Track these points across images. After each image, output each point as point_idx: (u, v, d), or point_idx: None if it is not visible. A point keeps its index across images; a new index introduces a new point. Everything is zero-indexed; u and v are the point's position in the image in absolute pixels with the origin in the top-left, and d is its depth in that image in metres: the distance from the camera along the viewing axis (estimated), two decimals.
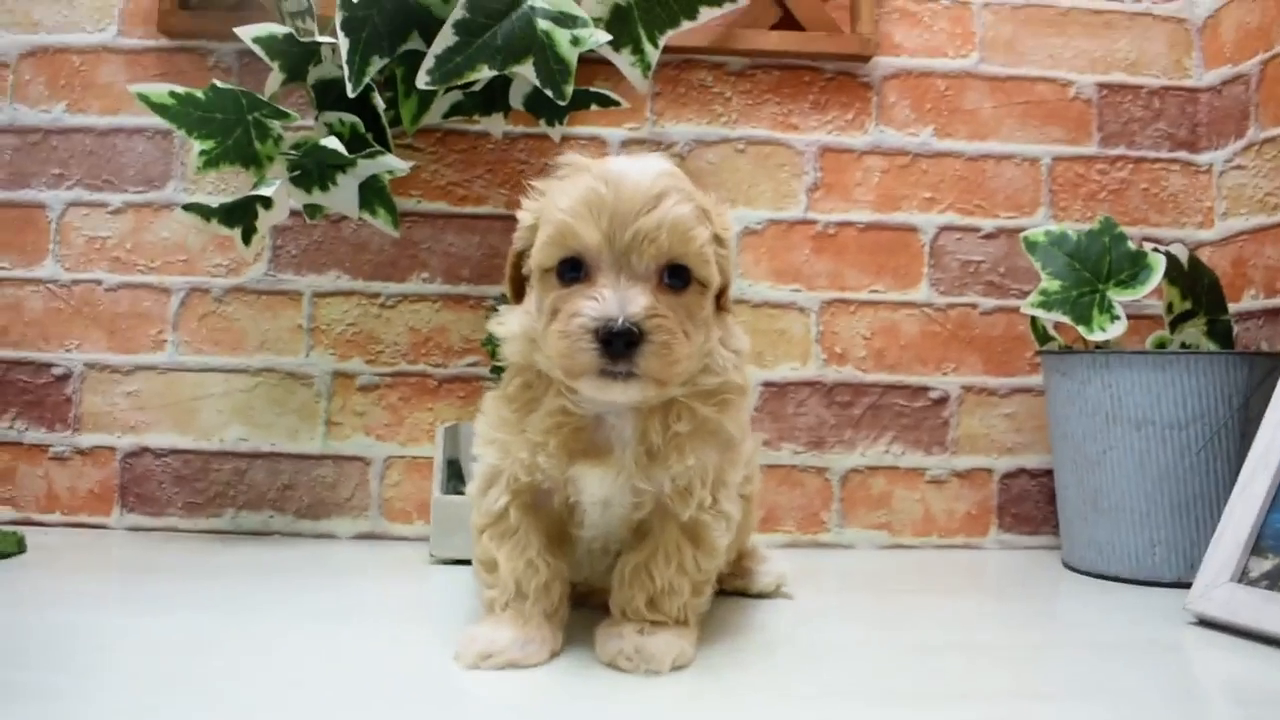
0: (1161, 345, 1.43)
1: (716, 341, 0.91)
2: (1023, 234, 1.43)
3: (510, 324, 0.94)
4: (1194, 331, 1.42)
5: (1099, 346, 1.38)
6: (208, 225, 1.28)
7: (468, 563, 1.29)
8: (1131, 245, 1.38)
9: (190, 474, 1.55)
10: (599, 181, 0.83)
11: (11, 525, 1.51)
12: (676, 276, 0.84)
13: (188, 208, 1.26)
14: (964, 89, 1.62)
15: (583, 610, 1.00)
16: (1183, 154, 1.64)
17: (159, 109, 1.24)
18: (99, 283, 1.56)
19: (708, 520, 0.90)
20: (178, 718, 0.74)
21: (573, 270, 0.84)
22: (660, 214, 0.82)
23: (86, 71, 1.58)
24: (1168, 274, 1.38)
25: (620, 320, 0.79)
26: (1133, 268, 1.37)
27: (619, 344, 0.79)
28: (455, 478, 1.43)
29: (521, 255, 0.91)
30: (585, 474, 0.89)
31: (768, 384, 1.57)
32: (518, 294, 0.94)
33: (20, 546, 1.33)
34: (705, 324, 0.88)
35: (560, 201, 0.84)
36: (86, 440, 1.56)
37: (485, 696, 0.81)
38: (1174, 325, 1.44)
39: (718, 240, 0.87)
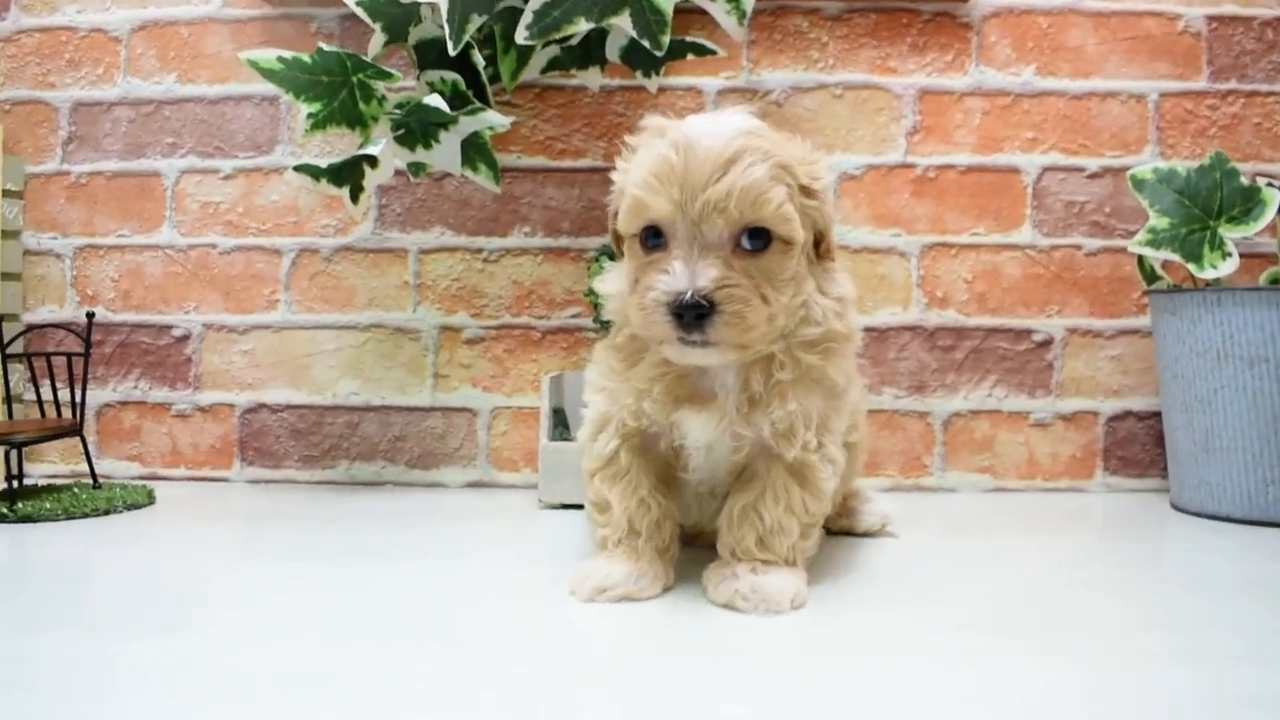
0: (1275, 281, 1.39)
1: (814, 292, 0.90)
2: (1130, 172, 1.40)
3: (610, 282, 0.95)
4: None
5: (1209, 284, 1.35)
6: (317, 185, 1.32)
7: (575, 507, 1.34)
8: (1244, 180, 1.34)
9: (305, 428, 1.60)
10: (671, 149, 0.83)
11: (140, 480, 1.59)
12: (756, 238, 0.83)
13: (298, 168, 1.30)
14: (1067, 26, 1.59)
15: (691, 550, 1.02)
16: None
17: (268, 74, 1.28)
18: (214, 246, 1.62)
19: (814, 462, 0.91)
20: (300, 648, 0.78)
21: (654, 237, 0.85)
22: (730, 181, 0.81)
23: (194, 42, 1.63)
24: None
25: (690, 294, 0.80)
26: (1245, 203, 1.33)
27: (690, 315, 0.80)
28: (561, 425, 1.46)
29: (616, 215, 0.92)
30: (688, 419, 0.90)
31: (869, 329, 1.57)
32: (620, 250, 0.96)
33: (149, 498, 1.40)
34: (794, 280, 0.87)
35: (635, 172, 0.85)
36: (206, 398, 1.62)
37: (602, 631, 0.84)
38: None
39: (806, 192, 0.86)
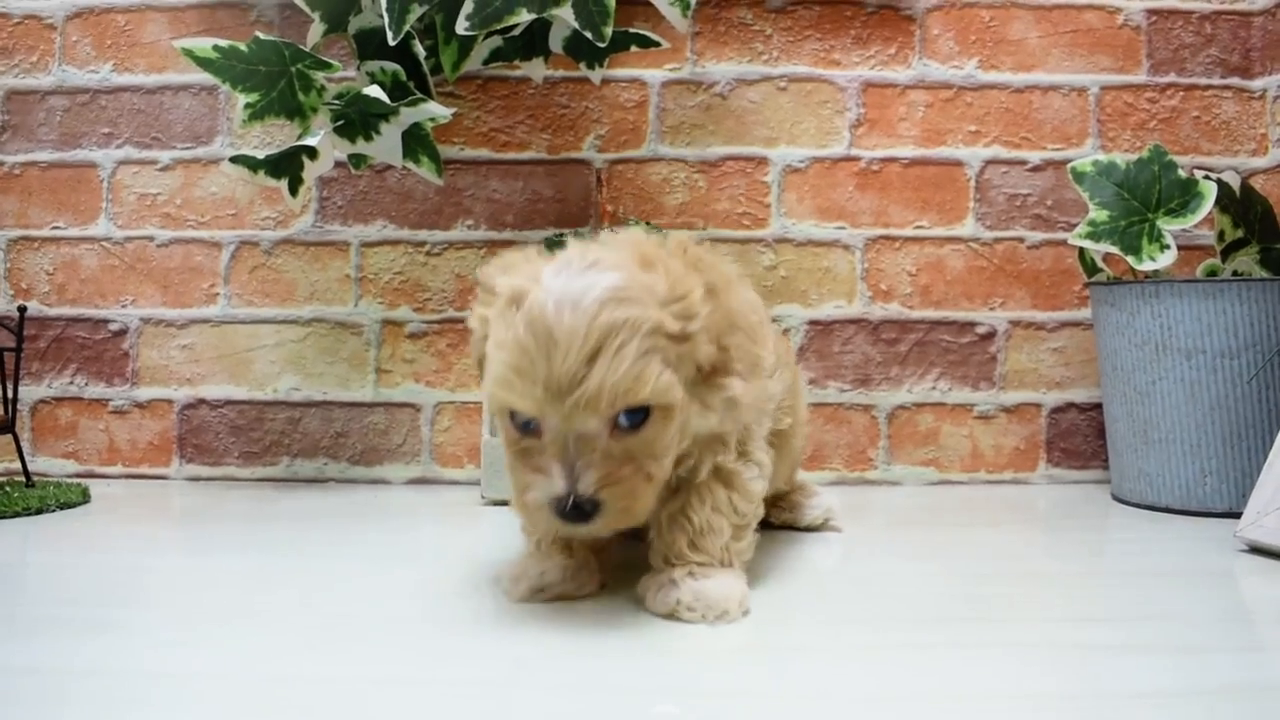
0: (1213, 273, 1.41)
1: (694, 414, 0.82)
2: (1070, 165, 1.41)
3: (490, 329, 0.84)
4: (1246, 260, 1.40)
5: (1148, 277, 1.36)
6: (255, 177, 1.30)
7: None
8: (1182, 173, 1.35)
9: (245, 424, 1.58)
10: (529, 334, 0.74)
11: (76, 478, 1.56)
12: (634, 414, 0.76)
13: (235, 160, 1.28)
14: (1009, 19, 1.59)
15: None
16: (1235, 80, 1.61)
17: (203, 63, 1.26)
18: (151, 239, 1.59)
19: (736, 467, 0.89)
20: (238, 646, 0.77)
21: (524, 423, 0.78)
22: (598, 378, 0.73)
23: (132, 30, 1.60)
24: (1219, 202, 1.36)
25: (570, 500, 0.75)
26: (1183, 196, 1.34)
27: (574, 515, 0.76)
28: None
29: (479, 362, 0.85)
30: None
31: (813, 322, 1.57)
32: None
33: (84, 497, 1.37)
34: (680, 433, 0.81)
35: (493, 360, 0.77)
36: (144, 394, 1.59)
37: (538, 629, 0.83)
38: (1225, 254, 1.42)
39: (679, 339, 0.77)
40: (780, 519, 1.20)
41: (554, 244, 1.35)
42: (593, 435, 0.75)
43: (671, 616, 0.84)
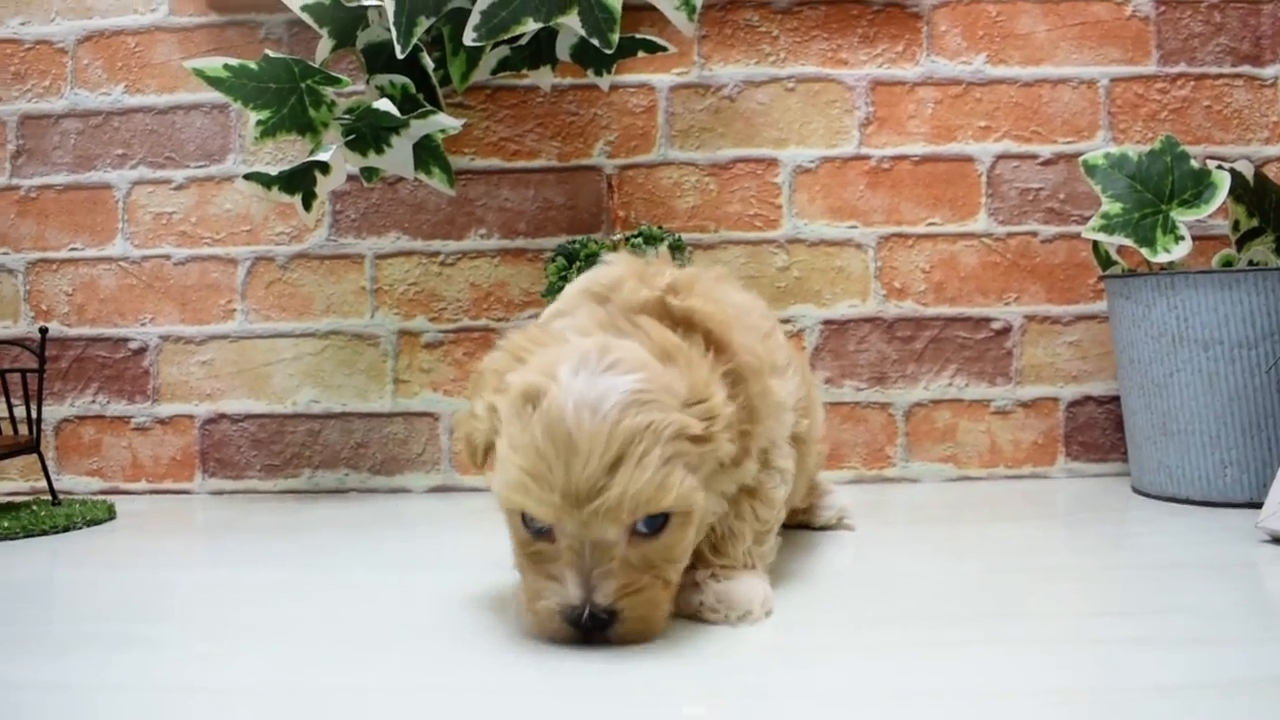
0: (1228, 264, 1.41)
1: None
2: (1082, 158, 1.41)
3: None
4: (1262, 249, 1.40)
5: (1163, 268, 1.36)
6: (269, 193, 1.31)
7: None
8: (1194, 164, 1.35)
9: (266, 437, 1.59)
10: (547, 439, 0.71)
11: (100, 495, 1.57)
12: (653, 520, 0.74)
13: (248, 177, 1.29)
14: (1016, 13, 1.59)
15: None
16: (1246, 68, 1.60)
17: (214, 82, 1.27)
18: (168, 257, 1.61)
19: (761, 478, 0.88)
20: (267, 658, 0.78)
21: (537, 526, 0.76)
22: (620, 488, 0.70)
23: (142, 52, 1.61)
24: (1233, 191, 1.35)
25: (586, 610, 0.73)
26: (1196, 186, 1.34)
27: (588, 626, 0.74)
28: None
29: (479, 452, 0.82)
30: None
31: (828, 322, 1.57)
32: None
33: (110, 514, 1.39)
34: (698, 531, 0.79)
35: (509, 455, 0.74)
36: (166, 410, 1.61)
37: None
38: (1240, 243, 1.41)
39: (700, 440, 0.75)
40: (795, 520, 1.20)
41: (567, 252, 1.36)
42: (610, 543, 0.73)
43: (695, 617, 0.84)
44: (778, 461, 0.91)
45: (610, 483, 0.70)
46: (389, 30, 1.28)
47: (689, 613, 0.84)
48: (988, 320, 1.58)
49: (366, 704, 0.68)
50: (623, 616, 0.74)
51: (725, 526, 0.87)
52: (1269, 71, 1.60)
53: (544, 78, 1.49)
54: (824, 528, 1.22)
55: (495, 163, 1.59)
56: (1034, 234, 1.58)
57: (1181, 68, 1.59)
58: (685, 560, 0.79)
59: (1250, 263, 1.39)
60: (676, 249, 1.38)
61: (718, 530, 0.87)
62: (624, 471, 0.70)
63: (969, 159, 1.58)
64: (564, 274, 1.32)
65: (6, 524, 1.28)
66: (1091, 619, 0.86)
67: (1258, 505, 1.15)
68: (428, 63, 1.35)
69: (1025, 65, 1.59)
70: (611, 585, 0.73)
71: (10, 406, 1.41)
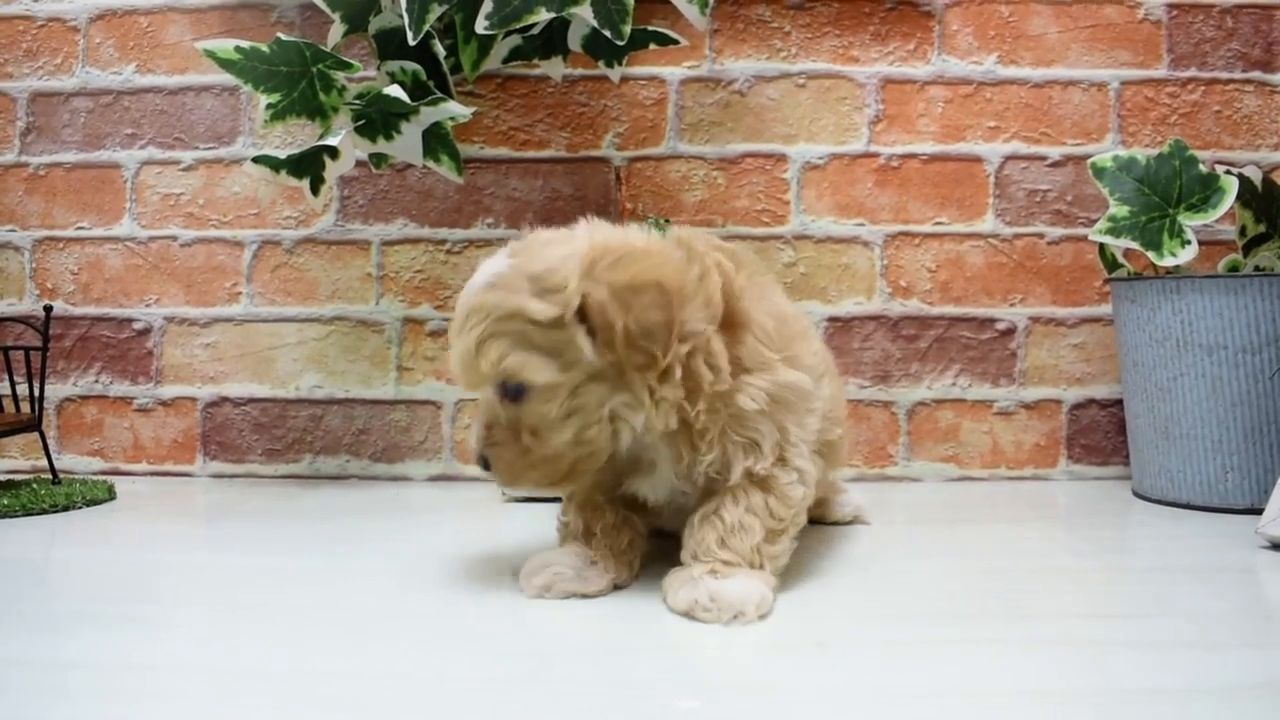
0: (1234, 269, 1.41)
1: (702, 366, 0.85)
2: (1090, 160, 1.40)
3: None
4: (1268, 255, 1.39)
5: (1169, 272, 1.36)
6: (277, 177, 1.31)
7: (538, 500, 1.33)
8: (1203, 168, 1.35)
9: (268, 421, 1.59)
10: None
11: (101, 475, 1.57)
12: (516, 389, 0.84)
13: (257, 160, 1.29)
14: (1028, 14, 1.59)
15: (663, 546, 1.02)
16: (1257, 74, 1.60)
17: (226, 64, 1.27)
18: (174, 239, 1.61)
19: (775, 472, 0.88)
20: (263, 641, 0.78)
21: None
22: (464, 345, 0.84)
23: (154, 32, 1.61)
24: (1240, 197, 1.35)
25: (475, 451, 0.88)
26: (1204, 191, 1.34)
27: (483, 466, 0.88)
28: None
29: None
30: (638, 483, 0.93)
31: (832, 319, 1.57)
32: None
33: (110, 494, 1.39)
34: (579, 413, 0.84)
35: None
36: (168, 392, 1.61)
37: (559, 625, 0.84)
38: (1247, 249, 1.41)
39: (553, 324, 0.81)
40: (810, 514, 1.20)
41: None
42: (490, 402, 0.87)
43: (688, 615, 0.84)
44: (795, 460, 0.90)
45: (460, 340, 0.84)
46: (401, 16, 1.28)
47: (683, 610, 0.84)
48: (992, 321, 1.58)
49: (362, 689, 0.68)
50: (493, 466, 0.87)
51: (735, 519, 0.87)
52: (1279, 78, 1.60)
53: (555, 68, 1.49)
54: (837, 523, 1.23)
55: (504, 152, 1.59)
56: (1041, 235, 1.58)
57: (1192, 72, 1.59)
58: (554, 435, 0.85)
59: (1256, 268, 1.39)
60: None
61: (727, 522, 0.87)
62: (467, 334, 0.83)
63: (978, 159, 1.58)
64: None
65: (6, 502, 1.28)
66: (1090, 621, 0.86)
67: (1258, 511, 1.15)
68: (439, 50, 1.35)
69: (1036, 66, 1.59)
70: (481, 432, 0.87)
71: (13, 384, 1.41)
